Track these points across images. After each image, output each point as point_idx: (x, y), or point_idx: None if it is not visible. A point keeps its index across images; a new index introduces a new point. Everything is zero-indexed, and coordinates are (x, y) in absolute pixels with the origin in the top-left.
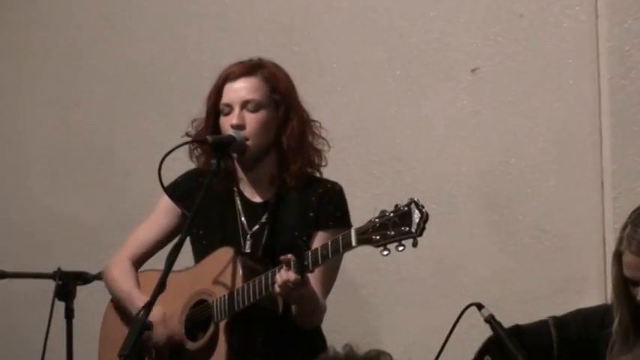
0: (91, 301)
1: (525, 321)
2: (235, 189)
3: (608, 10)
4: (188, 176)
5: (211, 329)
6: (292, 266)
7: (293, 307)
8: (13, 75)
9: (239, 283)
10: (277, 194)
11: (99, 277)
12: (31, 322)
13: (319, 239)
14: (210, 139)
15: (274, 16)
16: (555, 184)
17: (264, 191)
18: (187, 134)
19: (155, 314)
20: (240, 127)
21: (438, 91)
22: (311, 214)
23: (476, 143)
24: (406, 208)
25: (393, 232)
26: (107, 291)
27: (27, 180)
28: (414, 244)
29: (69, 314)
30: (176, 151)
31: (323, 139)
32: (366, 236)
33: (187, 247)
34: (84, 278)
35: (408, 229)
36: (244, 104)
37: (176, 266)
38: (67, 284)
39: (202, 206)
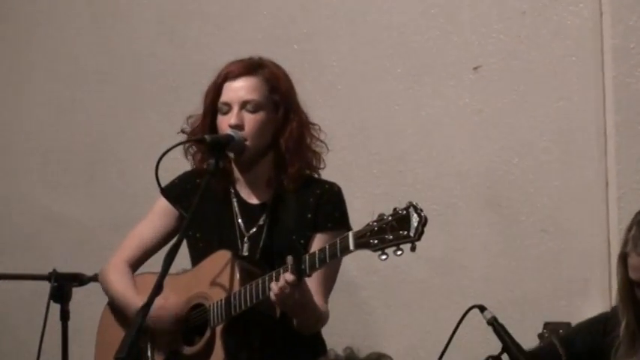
0: (86, 303)
1: (527, 323)
2: (232, 190)
3: (613, 7)
4: (185, 177)
5: (208, 333)
6: (290, 269)
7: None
8: (8, 74)
9: (236, 286)
10: (275, 196)
11: (95, 278)
12: (25, 324)
13: (318, 241)
14: (208, 138)
15: (273, 13)
16: (559, 184)
17: (262, 193)
18: (183, 131)
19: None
20: (238, 127)
21: (440, 90)
22: (309, 216)
23: (478, 142)
24: (405, 212)
25: (391, 237)
26: (103, 293)
27: (22, 180)
28: (413, 249)
29: (64, 316)
30: (174, 151)
31: (321, 141)
32: (363, 240)
33: (184, 249)
34: (80, 280)
35: (406, 233)
36: (243, 104)
37: (173, 268)
38: (62, 286)
39: (199, 208)
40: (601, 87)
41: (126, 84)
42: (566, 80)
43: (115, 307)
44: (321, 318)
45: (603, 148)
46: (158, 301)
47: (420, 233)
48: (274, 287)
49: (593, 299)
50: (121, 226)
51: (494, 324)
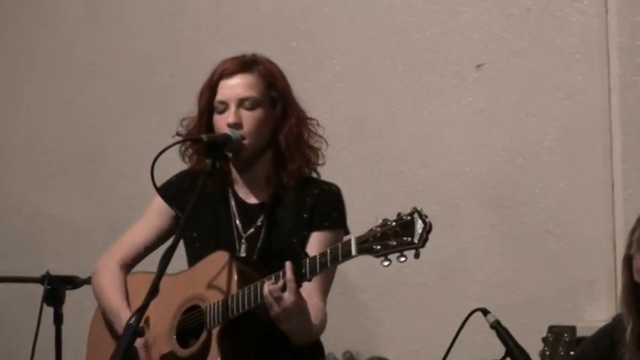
0: (80, 306)
1: (531, 327)
2: (230, 190)
3: (618, 3)
4: (182, 176)
5: (204, 336)
6: (290, 273)
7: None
8: (6, 74)
9: (234, 289)
10: (273, 195)
11: (89, 281)
12: (18, 328)
13: (314, 240)
14: (205, 137)
15: (272, 10)
16: (563, 185)
17: (260, 192)
18: (178, 134)
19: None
20: (237, 125)
21: (442, 88)
22: (305, 216)
23: (481, 142)
24: (409, 218)
25: (394, 243)
26: None
27: (14, 180)
28: (416, 256)
29: (58, 320)
30: (169, 151)
31: (320, 136)
32: (366, 245)
33: (180, 250)
34: (73, 282)
35: (410, 239)
36: (241, 102)
37: (168, 268)
38: (55, 289)
39: (196, 208)
40: (606, 85)
41: (122, 83)
42: (570, 78)
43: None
44: (314, 329)
45: (609, 147)
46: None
47: (424, 240)
48: (272, 288)
49: (598, 302)
50: (117, 228)
51: (498, 328)
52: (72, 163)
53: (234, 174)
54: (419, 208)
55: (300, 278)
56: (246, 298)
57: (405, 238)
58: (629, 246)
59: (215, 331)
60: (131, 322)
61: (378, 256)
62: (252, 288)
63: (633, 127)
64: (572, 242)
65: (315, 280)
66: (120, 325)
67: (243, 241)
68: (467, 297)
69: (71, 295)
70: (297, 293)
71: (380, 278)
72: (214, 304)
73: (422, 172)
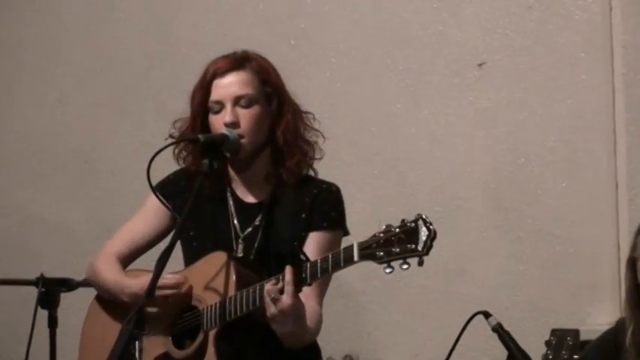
0: (75, 309)
1: (534, 330)
2: (228, 189)
3: (623, 1)
4: (178, 175)
5: (200, 338)
6: (290, 277)
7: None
8: None
9: (232, 291)
10: (272, 194)
11: (84, 283)
12: (12, 331)
13: (312, 240)
14: (202, 137)
15: (269, 7)
16: (567, 186)
17: (259, 191)
18: (171, 136)
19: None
20: (234, 124)
21: (443, 88)
22: (303, 216)
23: (482, 142)
24: (413, 225)
25: (398, 249)
26: (93, 299)
27: (6, 181)
28: (420, 263)
29: (52, 323)
30: (165, 151)
31: (316, 130)
32: (369, 251)
33: (177, 250)
34: (68, 285)
35: (414, 246)
36: (236, 100)
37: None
38: (50, 291)
39: (194, 206)
40: (610, 84)
41: (117, 82)
42: (574, 77)
43: (102, 305)
44: (310, 333)
45: (613, 147)
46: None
47: (428, 248)
48: (271, 288)
49: (602, 305)
50: (112, 229)
51: (500, 331)
52: (65, 163)
53: (232, 173)
54: (424, 215)
55: (300, 282)
56: (245, 301)
57: (408, 245)
58: (634, 248)
59: (212, 334)
60: (127, 325)
61: (380, 263)
62: (250, 290)
63: (638, 126)
64: (575, 244)
65: (310, 289)
66: (125, 295)
67: (240, 240)
68: (468, 300)
69: (66, 298)
70: (295, 297)
71: (380, 281)
72: (211, 305)
73: (423, 172)
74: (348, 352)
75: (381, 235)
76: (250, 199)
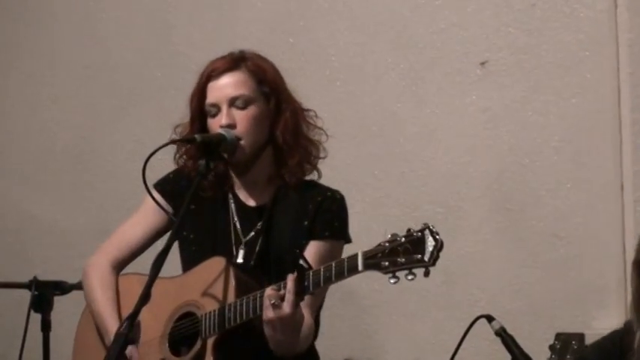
0: (69, 312)
1: (538, 334)
2: (230, 193)
3: None
4: (179, 173)
5: (198, 345)
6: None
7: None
8: None
9: (231, 298)
10: (275, 197)
11: (78, 286)
12: (4, 335)
13: (312, 249)
14: (198, 137)
15: (268, 5)
16: (571, 187)
17: (261, 193)
18: (173, 141)
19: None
20: (230, 126)
21: (445, 87)
22: (305, 223)
23: (485, 142)
24: (420, 234)
25: (403, 260)
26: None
27: (1, 181)
28: (426, 274)
29: (45, 327)
30: (162, 151)
31: (319, 128)
32: (373, 261)
33: (173, 253)
34: (62, 288)
35: (420, 257)
36: (232, 101)
37: (161, 271)
38: (43, 294)
39: (194, 210)
40: (616, 83)
41: (113, 81)
42: (579, 76)
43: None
44: (300, 344)
45: (618, 148)
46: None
47: (435, 258)
48: (272, 293)
49: (608, 308)
50: (107, 231)
51: (503, 335)
52: (60, 163)
53: (234, 177)
54: (430, 225)
55: (302, 291)
56: (245, 309)
57: (414, 256)
58: (639, 250)
59: (210, 341)
60: (121, 329)
61: (385, 273)
62: (251, 298)
63: None
64: (580, 246)
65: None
66: (108, 337)
67: (242, 245)
68: (471, 303)
69: (59, 301)
70: (295, 307)
71: (380, 284)
72: (210, 312)
73: (424, 173)
74: (348, 356)
75: (387, 244)
76: (252, 202)
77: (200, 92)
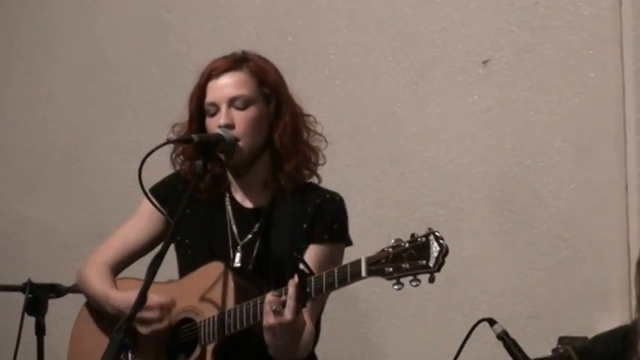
0: (64, 316)
1: (540, 338)
2: (227, 195)
3: None
4: (175, 177)
5: (197, 352)
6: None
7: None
8: None
9: (230, 304)
10: (272, 200)
11: (73, 289)
12: None
13: (312, 253)
14: (195, 137)
15: (266, 3)
16: (575, 188)
17: (258, 196)
18: (169, 141)
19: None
20: (229, 126)
21: (446, 86)
22: (304, 226)
23: (487, 142)
24: (424, 240)
25: (407, 265)
26: (82, 305)
27: None
28: (431, 280)
29: (40, 330)
30: (158, 152)
31: (319, 134)
32: (377, 267)
33: (170, 257)
34: (57, 291)
35: (425, 262)
36: (231, 101)
37: (158, 276)
38: (38, 297)
39: (190, 213)
40: (620, 82)
41: (108, 80)
42: (582, 75)
43: (92, 311)
44: (300, 351)
45: (623, 147)
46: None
47: (440, 264)
48: (273, 299)
49: (611, 311)
50: (102, 233)
51: (505, 338)
52: (55, 164)
53: (231, 178)
54: (435, 230)
55: (304, 298)
56: (245, 315)
57: (419, 262)
58: None
59: (209, 348)
60: (117, 334)
61: (389, 279)
62: (251, 304)
63: None
64: (583, 248)
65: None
66: (111, 309)
67: (239, 248)
68: (472, 306)
69: (54, 305)
70: (297, 313)
71: (380, 287)
72: (209, 318)
73: (425, 174)
74: None
75: (390, 250)
76: (249, 204)
77: (200, 91)
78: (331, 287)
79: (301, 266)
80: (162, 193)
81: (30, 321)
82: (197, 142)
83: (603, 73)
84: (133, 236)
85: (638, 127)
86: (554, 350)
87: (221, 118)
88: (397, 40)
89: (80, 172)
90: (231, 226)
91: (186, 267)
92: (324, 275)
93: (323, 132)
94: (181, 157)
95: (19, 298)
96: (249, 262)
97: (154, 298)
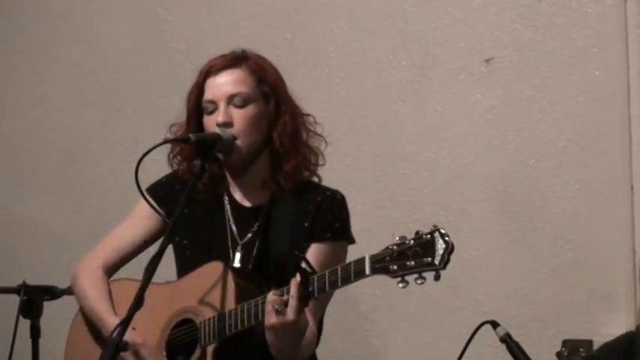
0: (59, 318)
1: (544, 341)
2: (225, 193)
3: None
4: (172, 178)
5: (197, 353)
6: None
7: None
8: None
9: (231, 304)
10: (272, 198)
11: (68, 291)
12: None
13: (314, 252)
14: (193, 137)
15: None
16: (579, 188)
17: (257, 196)
18: (166, 141)
19: (133, 336)
20: (227, 124)
21: (448, 84)
22: (306, 225)
23: (490, 142)
24: (429, 237)
25: (412, 263)
26: (77, 308)
27: None
28: (437, 278)
29: (35, 333)
30: (156, 151)
31: (319, 135)
32: (381, 265)
33: (168, 258)
34: (52, 293)
35: (430, 260)
36: (230, 99)
37: (155, 277)
38: (32, 299)
39: (188, 213)
40: (625, 80)
41: (105, 78)
42: (587, 73)
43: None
44: (303, 352)
45: (628, 147)
46: (136, 335)
47: (445, 262)
48: (275, 299)
49: (617, 314)
50: (98, 234)
51: (508, 341)
52: (50, 164)
53: (229, 178)
54: (440, 228)
55: (307, 297)
56: (246, 315)
57: (424, 259)
58: None
59: (210, 349)
60: (114, 335)
61: (394, 277)
62: (252, 304)
63: None
64: (588, 249)
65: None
66: (106, 329)
67: (238, 248)
68: (475, 308)
69: (49, 307)
70: (299, 313)
71: (381, 289)
72: (209, 319)
73: (427, 174)
74: None
75: (395, 247)
76: (248, 203)
77: (198, 89)
78: (334, 286)
79: (303, 265)
80: (160, 194)
81: (25, 323)
82: (194, 142)
83: (608, 71)
84: (129, 237)
85: None
86: (558, 354)
87: (219, 116)
88: (398, 38)
89: (76, 172)
90: (230, 226)
91: (184, 267)
92: (327, 274)
93: (323, 132)
94: (179, 157)
95: (14, 300)
96: (248, 262)
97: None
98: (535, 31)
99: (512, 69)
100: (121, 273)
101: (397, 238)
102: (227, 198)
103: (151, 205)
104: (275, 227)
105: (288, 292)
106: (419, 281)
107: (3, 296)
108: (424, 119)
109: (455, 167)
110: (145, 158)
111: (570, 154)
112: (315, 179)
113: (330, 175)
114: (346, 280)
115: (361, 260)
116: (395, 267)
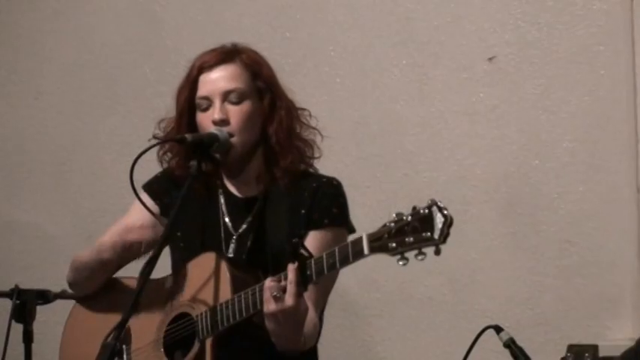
0: (52, 323)
1: (549, 346)
2: (219, 184)
3: None
4: (167, 173)
5: (196, 347)
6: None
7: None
8: None
9: (226, 294)
10: (266, 189)
11: (62, 295)
12: None
13: (313, 239)
14: (189, 137)
15: None
16: (584, 190)
17: (252, 187)
18: (155, 137)
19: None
20: (223, 122)
21: (451, 83)
22: (302, 212)
23: (493, 142)
24: (427, 211)
25: (411, 239)
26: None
27: None
28: (437, 252)
29: (27, 338)
30: (150, 152)
31: (313, 128)
32: (380, 243)
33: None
34: (45, 297)
35: (429, 234)
36: (225, 95)
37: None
38: (25, 304)
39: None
40: (632, 79)
41: (98, 77)
42: (592, 72)
43: (82, 315)
44: (305, 340)
45: (634, 148)
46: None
47: (445, 235)
48: (273, 285)
49: (623, 318)
50: (92, 237)
51: (512, 346)
52: (43, 164)
53: (224, 173)
54: (437, 201)
55: (305, 281)
56: (243, 305)
57: (423, 234)
58: None
59: (209, 342)
60: (109, 339)
61: (393, 255)
62: (249, 293)
63: None
64: (593, 253)
65: (311, 289)
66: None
67: (233, 239)
68: (478, 313)
69: (42, 311)
70: (298, 297)
71: (382, 293)
72: (205, 311)
73: (428, 175)
74: None
75: (392, 224)
76: (242, 194)
77: (190, 85)
78: (333, 268)
79: (301, 250)
80: (154, 189)
81: (17, 328)
82: (190, 143)
83: (614, 69)
84: (135, 220)
85: None
86: (563, 359)
87: (215, 113)
88: (400, 37)
89: (69, 172)
90: (224, 218)
91: (179, 261)
92: (324, 256)
93: (322, 130)
94: (169, 154)
95: (6, 304)
96: (242, 253)
97: None
98: (539, 28)
99: (515, 68)
100: (121, 273)
101: (394, 215)
102: (221, 190)
103: (146, 207)
104: (271, 218)
105: (285, 278)
106: (419, 257)
107: None
108: (426, 119)
109: (457, 168)
110: (139, 159)
111: (575, 154)
112: (311, 169)
113: (330, 175)
114: (345, 261)
115: (359, 240)
116: (394, 244)
